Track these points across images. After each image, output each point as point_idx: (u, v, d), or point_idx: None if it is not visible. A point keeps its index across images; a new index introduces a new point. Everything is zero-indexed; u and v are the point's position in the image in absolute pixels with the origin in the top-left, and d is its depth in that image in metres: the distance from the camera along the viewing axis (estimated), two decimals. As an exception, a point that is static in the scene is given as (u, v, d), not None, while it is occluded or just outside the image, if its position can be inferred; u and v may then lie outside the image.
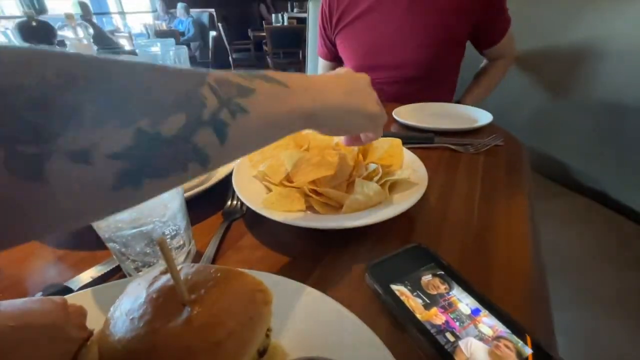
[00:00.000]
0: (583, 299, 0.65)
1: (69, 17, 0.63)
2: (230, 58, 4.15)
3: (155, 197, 0.27)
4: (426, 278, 0.30)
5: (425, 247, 0.34)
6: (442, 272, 0.31)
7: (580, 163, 1.00)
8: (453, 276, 0.30)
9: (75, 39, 0.65)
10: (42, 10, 4.46)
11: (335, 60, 1.07)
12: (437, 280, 0.30)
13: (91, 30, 0.67)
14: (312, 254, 0.35)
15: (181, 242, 0.32)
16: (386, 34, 0.87)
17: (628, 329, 0.60)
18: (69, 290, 0.29)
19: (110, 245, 0.29)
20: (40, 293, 0.29)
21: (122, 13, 5.39)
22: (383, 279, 0.30)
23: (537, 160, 1.03)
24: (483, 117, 0.71)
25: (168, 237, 0.30)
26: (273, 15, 4.72)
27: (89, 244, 0.35)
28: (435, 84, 0.93)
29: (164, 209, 0.28)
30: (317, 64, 1.44)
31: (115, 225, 0.27)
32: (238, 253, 0.35)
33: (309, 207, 0.39)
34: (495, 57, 0.96)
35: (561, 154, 1.04)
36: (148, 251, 0.29)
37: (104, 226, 0.27)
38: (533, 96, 1.05)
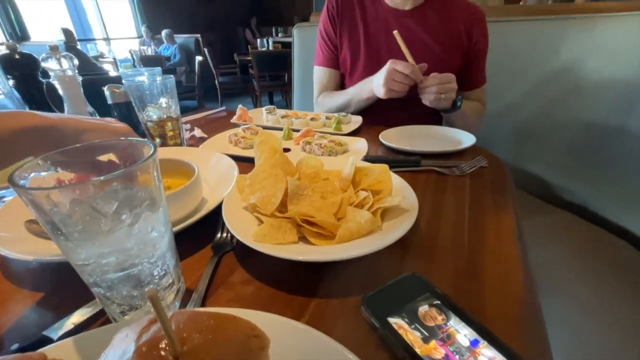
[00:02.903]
0: (572, 314, 0.66)
1: (53, 49, 0.63)
2: (216, 82, 4.19)
3: (144, 237, 0.26)
4: (423, 309, 0.30)
5: (420, 276, 0.33)
6: (438, 302, 0.30)
7: (561, 179, 1.04)
8: (449, 306, 0.30)
9: (60, 70, 0.65)
10: (25, 37, 4.43)
11: (337, 67, 1.04)
12: (433, 311, 0.30)
13: (76, 62, 0.67)
14: (305, 287, 0.34)
15: (170, 281, 0.31)
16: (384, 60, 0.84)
17: (618, 340, 0.60)
18: (48, 341, 0.28)
19: (94, 290, 0.27)
20: (17, 345, 0.27)
21: (107, 39, 5.41)
22: (379, 312, 0.29)
23: (519, 177, 1.07)
24: (466, 139, 0.73)
25: (157, 277, 0.29)
26: (258, 40, 4.83)
27: (69, 286, 0.33)
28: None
29: (153, 249, 0.27)
30: (302, 86, 1.48)
31: (101, 269, 0.26)
32: (230, 290, 0.34)
33: (301, 238, 0.38)
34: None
35: (542, 171, 1.07)
36: (135, 294, 0.28)
37: (89, 270, 0.26)
38: (514, 114, 1.10)
